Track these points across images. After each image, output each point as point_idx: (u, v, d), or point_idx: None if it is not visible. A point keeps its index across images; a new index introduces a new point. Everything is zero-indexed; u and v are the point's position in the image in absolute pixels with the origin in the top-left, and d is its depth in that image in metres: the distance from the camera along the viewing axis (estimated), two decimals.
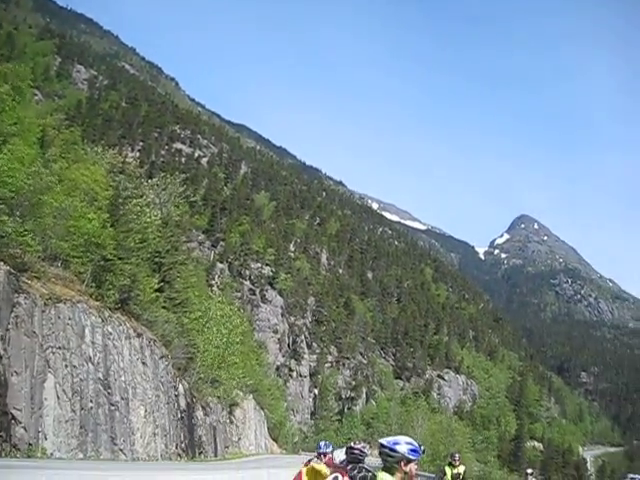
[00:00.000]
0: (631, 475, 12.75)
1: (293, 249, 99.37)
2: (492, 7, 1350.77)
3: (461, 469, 11.39)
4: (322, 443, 8.14)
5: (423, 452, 3.92)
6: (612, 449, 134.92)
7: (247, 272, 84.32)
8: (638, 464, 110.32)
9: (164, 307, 29.39)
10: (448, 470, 11.39)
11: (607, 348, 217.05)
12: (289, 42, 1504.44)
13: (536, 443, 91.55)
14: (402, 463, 3.67)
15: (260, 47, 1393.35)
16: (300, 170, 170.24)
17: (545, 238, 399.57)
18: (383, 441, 3.85)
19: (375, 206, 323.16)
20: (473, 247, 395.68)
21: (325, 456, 7.99)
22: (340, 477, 5.48)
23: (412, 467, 3.70)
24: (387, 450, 3.75)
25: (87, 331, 18.67)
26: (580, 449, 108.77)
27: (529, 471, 14.35)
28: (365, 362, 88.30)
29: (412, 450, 3.70)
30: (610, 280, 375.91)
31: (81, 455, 17.37)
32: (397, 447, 3.72)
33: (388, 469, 3.75)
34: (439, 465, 45.44)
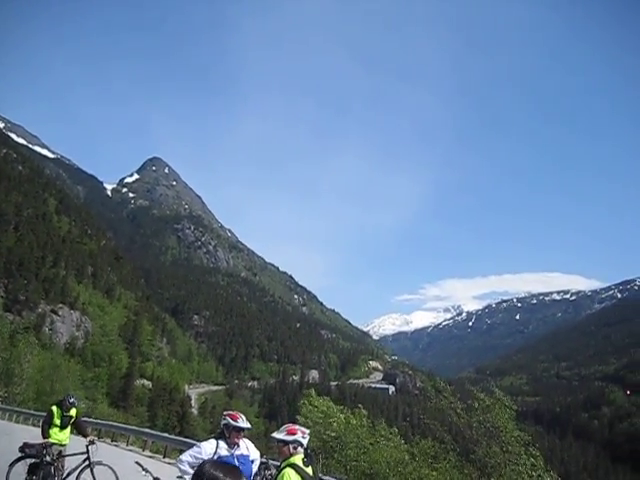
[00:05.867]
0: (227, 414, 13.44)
1: None
2: None
3: (72, 412, 10.94)
4: None
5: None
6: (215, 387, 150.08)
7: None
8: (236, 401, 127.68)
9: None
10: (56, 412, 10.79)
11: (219, 294, 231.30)
12: None
13: (145, 381, 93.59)
14: None
15: None
16: None
17: (174, 183, 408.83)
18: None
19: (1, 125, 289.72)
20: (102, 183, 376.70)
21: None
22: None
23: None
24: None
25: None
26: (186, 387, 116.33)
27: None
28: None
29: None
30: (229, 230, 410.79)
31: None
32: None
33: None
34: (45, 402, 44.17)
